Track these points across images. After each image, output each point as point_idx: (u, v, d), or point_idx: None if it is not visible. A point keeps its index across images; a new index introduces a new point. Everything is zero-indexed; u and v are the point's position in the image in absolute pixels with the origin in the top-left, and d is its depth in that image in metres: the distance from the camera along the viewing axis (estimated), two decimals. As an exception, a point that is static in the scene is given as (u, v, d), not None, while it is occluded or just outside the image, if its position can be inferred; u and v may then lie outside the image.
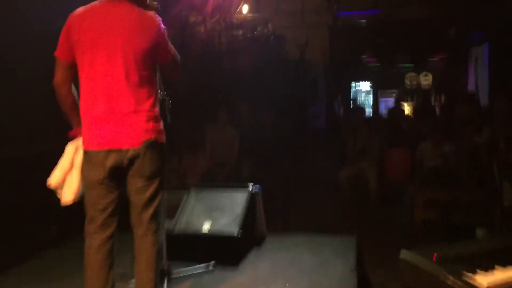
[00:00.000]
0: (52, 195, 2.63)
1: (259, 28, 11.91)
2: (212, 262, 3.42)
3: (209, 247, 3.59)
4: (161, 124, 2.57)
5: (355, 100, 14.13)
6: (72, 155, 2.58)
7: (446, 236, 5.00)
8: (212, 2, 11.23)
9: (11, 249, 4.28)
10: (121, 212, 2.55)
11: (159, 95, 2.94)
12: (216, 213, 3.64)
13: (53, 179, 2.59)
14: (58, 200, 2.63)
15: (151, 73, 2.50)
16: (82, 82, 2.45)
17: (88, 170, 2.47)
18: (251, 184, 3.77)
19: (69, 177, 2.58)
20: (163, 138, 2.55)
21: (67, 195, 2.57)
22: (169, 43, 2.55)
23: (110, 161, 2.40)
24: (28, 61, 4.57)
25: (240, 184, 3.89)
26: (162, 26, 2.49)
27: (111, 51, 2.38)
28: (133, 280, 2.65)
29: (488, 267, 1.84)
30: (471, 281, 1.74)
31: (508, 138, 2.84)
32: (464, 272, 1.79)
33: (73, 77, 2.50)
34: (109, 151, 2.40)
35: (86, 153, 2.47)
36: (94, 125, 2.41)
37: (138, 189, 2.48)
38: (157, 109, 2.53)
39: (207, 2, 11.06)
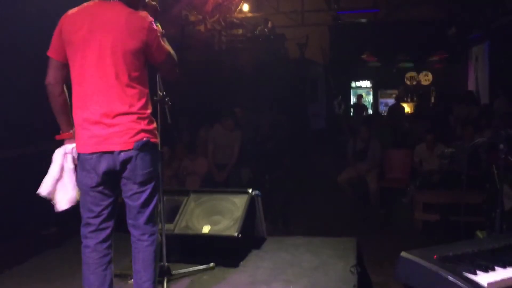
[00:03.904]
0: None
1: (259, 27, 11.92)
2: (212, 263, 3.42)
3: (209, 248, 3.60)
4: (154, 125, 2.54)
5: (360, 97, 14.05)
6: (61, 161, 2.55)
7: (446, 236, 5.00)
8: (212, 1, 11.24)
9: (11, 249, 4.29)
10: (121, 214, 2.55)
11: (158, 95, 2.96)
12: (216, 217, 3.65)
13: (43, 188, 2.55)
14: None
15: (141, 74, 2.47)
16: (74, 82, 2.43)
17: (82, 176, 2.45)
18: (250, 189, 3.77)
19: (60, 184, 2.55)
20: (156, 139, 2.53)
21: (62, 203, 2.55)
22: (162, 43, 2.52)
23: (103, 166, 2.38)
24: (26, 62, 4.57)
25: (239, 189, 3.89)
26: (153, 25, 2.46)
27: (101, 51, 2.37)
28: (132, 281, 2.65)
29: (488, 267, 1.84)
30: (471, 281, 1.74)
31: (508, 138, 2.83)
32: (464, 272, 1.79)
33: (66, 78, 2.48)
34: (101, 154, 2.38)
35: (79, 157, 2.45)
36: (86, 127, 2.39)
37: (133, 195, 2.46)
38: (149, 110, 2.51)
39: (207, 1, 11.07)
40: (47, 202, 2.57)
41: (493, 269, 1.84)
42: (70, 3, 2.54)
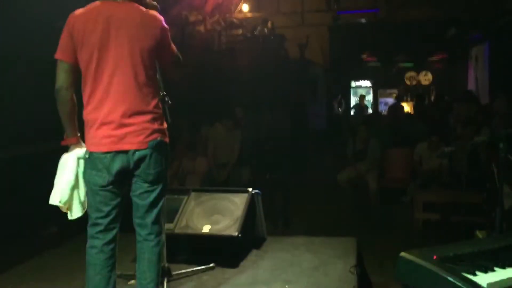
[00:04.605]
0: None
1: (259, 27, 11.90)
2: (212, 263, 3.42)
3: (209, 248, 3.60)
4: (165, 125, 2.57)
5: (362, 97, 14.04)
6: (74, 167, 2.50)
7: (446, 236, 5.01)
8: (212, 2, 11.24)
9: (11, 249, 4.29)
10: (124, 214, 2.55)
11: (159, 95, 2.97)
12: (216, 216, 3.65)
13: (60, 197, 2.49)
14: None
15: (155, 73, 2.51)
16: (88, 84, 2.39)
17: (92, 175, 2.42)
18: (250, 189, 3.77)
19: (75, 191, 2.52)
20: (167, 139, 2.55)
21: (77, 211, 2.52)
22: (171, 43, 2.55)
23: (117, 165, 2.38)
24: (29, 62, 4.57)
25: (239, 188, 3.89)
26: (165, 25, 2.49)
27: (118, 51, 2.36)
28: (134, 281, 2.65)
29: (487, 268, 1.84)
30: (470, 282, 1.74)
31: (507, 137, 2.83)
32: (464, 272, 1.79)
33: (77, 81, 2.42)
34: (115, 153, 2.37)
35: (90, 156, 2.42)
36: (101, 127, 2.37)
37: (142, 194, 2.48)
38: (161, 110, 2.54)
39: (207, 1, 11.07)
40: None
41: (493, 270, 1.84)
42: (71, 3, 2.53)
